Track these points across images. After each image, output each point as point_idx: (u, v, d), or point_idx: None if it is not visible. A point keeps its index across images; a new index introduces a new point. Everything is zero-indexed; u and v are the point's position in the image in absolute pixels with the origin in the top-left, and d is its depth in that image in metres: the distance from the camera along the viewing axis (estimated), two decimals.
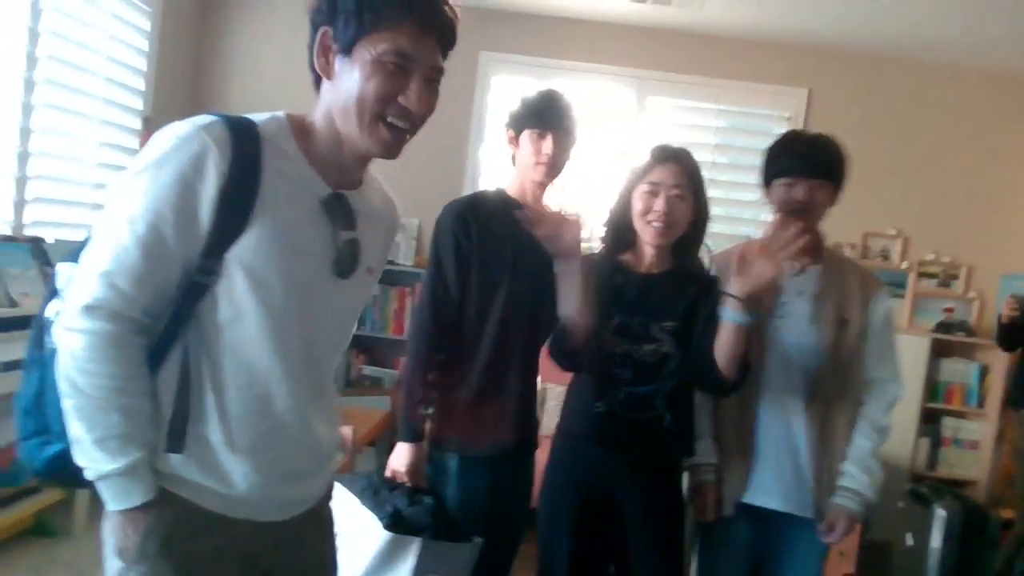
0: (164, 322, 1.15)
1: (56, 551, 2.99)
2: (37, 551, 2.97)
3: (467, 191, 4.43)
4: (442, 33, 1.18)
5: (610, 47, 4.44)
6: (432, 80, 1.19)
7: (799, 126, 4.43)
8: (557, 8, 4.30)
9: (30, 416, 1.20)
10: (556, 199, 2.14)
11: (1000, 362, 4.17)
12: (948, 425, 4.26)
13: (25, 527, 3.02)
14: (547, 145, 2.04)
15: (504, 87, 4.48)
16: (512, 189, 2.12)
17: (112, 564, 1.19)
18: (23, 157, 3.30)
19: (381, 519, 1.89)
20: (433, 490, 2.03)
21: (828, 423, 1.98)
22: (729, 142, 4.57)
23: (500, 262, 2.02)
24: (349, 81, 1.15)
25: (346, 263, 1.24)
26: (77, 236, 3.63)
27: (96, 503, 1.19)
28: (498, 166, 4.32)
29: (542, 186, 2.09)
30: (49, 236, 3.38)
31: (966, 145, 4.41)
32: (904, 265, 4.41)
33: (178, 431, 1.15)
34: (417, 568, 1.87)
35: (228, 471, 1.18)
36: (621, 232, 2.00)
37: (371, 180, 1.34)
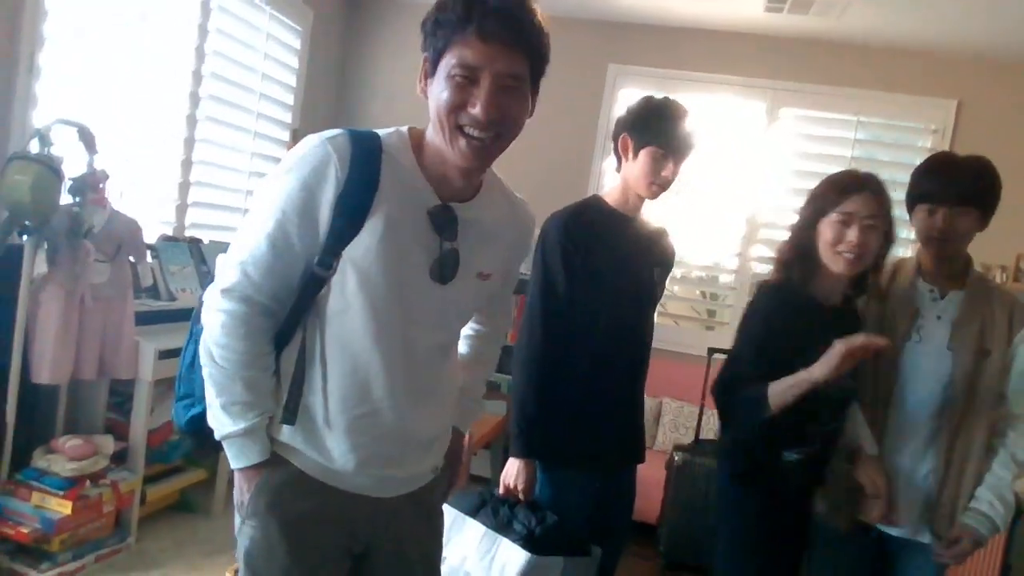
0: (288, 308, 1.30)
1: (197, 526, 3.26)
2: (181, 525, 3.25)
3: None
4: (513, 39, 1.20)
5: (741, 57, 4.35)
6: (508, 87, 1.22)
7: (947, 139, 4.17)
8: (687, 18, 4.26)
9: (183, 381, 1.40)
10: (655, 213, 2.14)
11: None
12: None
13: (171, 503, 3.31)
14: (669, 170, 2.01)
15: (632, 99, 4.48)
16: (613, 198, 2.10)
17: (236, 520, 1.37)
18: (186, 165, 3.65)
19: (517, 541, 1.94)
20: (545, 504, 2.05)
21: (958, 452, 1.89)
22: (870, 155, 4.35)
23: (606, 274, 2.02)
24: (432, 98, 1.26)
25: (447, 269, 1.32)
26: (230, 238, 3.96)
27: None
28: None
29: (645, 200, 2.08)
30: (206, 238, 3.70)
31: None
32: None
33: (292, 405, 1.30)
34: None
35: (328, 446, 1.32)
36: (806, 261, 1.90)
37: (491, 191, 1.41)
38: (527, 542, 1.93)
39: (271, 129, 4.30)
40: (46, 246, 2.65)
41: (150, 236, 3.27)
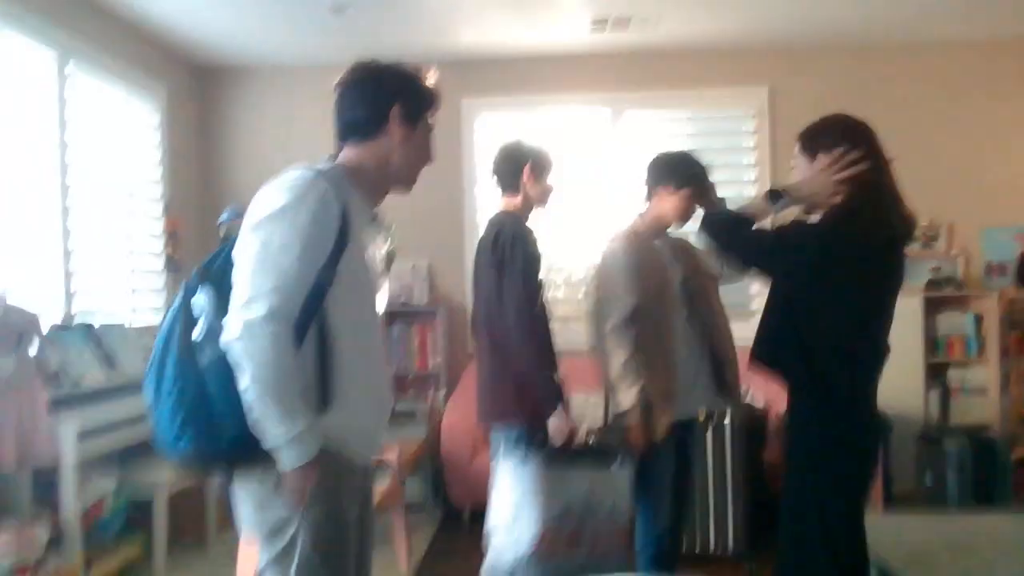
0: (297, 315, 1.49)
1: None
2: None
3: (469, 228, 4.78)
4: None
5: (581, 75, 4.80)
6: None
7: (764, 121, 4.75)
8: (526, 48, 4.66)
9: (194, 419, 1.46)
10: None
11: (992, 309, 4.40)
12: (954, 376, 4.47)
13: None
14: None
15: (488, 127, 4.83)
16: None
17: (270, 520, 1.51)
18: (66, 254, 3.65)
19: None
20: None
21: None
22: (707, 145, 4.87)
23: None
24: (414, 148, 1.68)
25: (389, 259, 1.66)
26: (122, 318, 3.96)
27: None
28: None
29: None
30: (95, 321, 3.69)
31: (929, 113, 4.71)
32: None
33: (325, 395, 1.51)
34: None
35: (351, 427, 1.56)
36: None
37: None
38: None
39: (143, 205, 4.34)
40: None
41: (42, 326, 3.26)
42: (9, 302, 2.90)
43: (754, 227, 2.13)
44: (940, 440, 3.79)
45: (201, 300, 1.50)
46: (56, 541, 2.90)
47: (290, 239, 1.45)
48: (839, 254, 1.95)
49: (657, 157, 2.64)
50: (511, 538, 2.31)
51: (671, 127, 4.86)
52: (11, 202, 3.30)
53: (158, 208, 4.47)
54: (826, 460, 1.99)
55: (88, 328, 3.58)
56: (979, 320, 4.48)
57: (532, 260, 2.50)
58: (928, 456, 3.90)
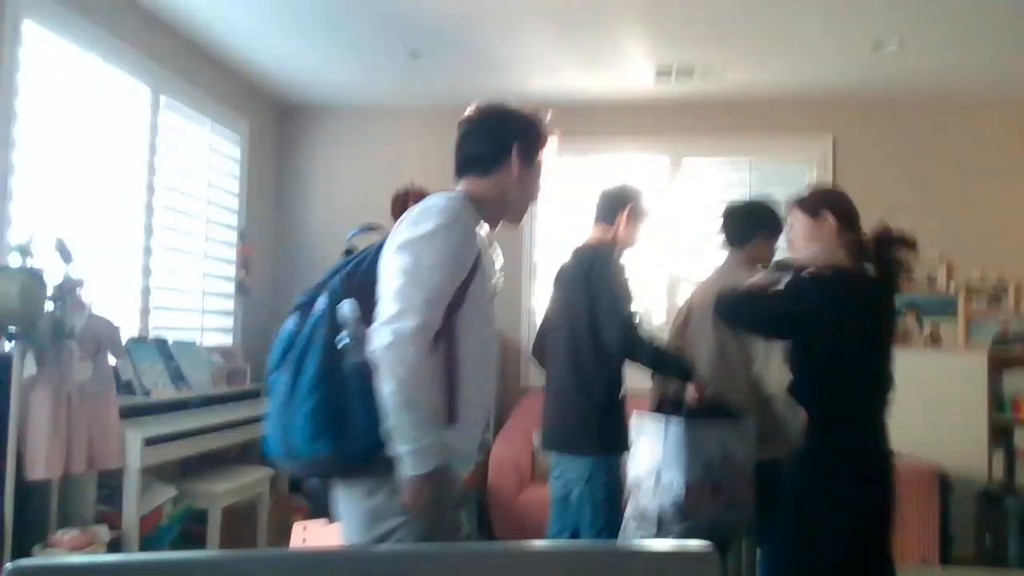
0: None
1: None
2: None
3: (526, 264, 4.88)
4: None
5: (643, 120, 4.90)
6: None
7: (828, 171, 4.74)
8: (594, 94, 4.79)
9: (333, 422, 1.54)
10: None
11: None
12: (1021, 437, 4.30)
13: None
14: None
15: (553, 169, 4.93)
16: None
17: (381, 527, 1.58)
18: (145, 271, 3.89)
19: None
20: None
21: None
22: (764, 192, 4.86)
23: None
24: (530, 179, 1.81)
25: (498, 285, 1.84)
26: (192, 335, 4.17)
27: None
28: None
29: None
30: (169, 337, 3.90)
31: (995, 169, 4.63)
32: (951, 286, 4.56)
33: (453, 409, 1.61)
34: None
35: (464, 439, 1.66)
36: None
37: None
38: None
39: (220, 232, 4.58)
40: (33, 350, 2.84)
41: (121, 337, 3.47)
42: (92, 310, 3.10)
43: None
44: (1002, 500, 3.64)
45: (347, 309, 1.57)
46: (116, 544, 3.04)
47: (441, 259, 1.57)
48: (848, 301, 2.07)
49: (752, 205, 2.75)
50: (658, 490, 2.49)
51: (731, 175, 4.88)
52: (101, 221, 3.55)
53: (234, 235, 4.71)
54: (838, 488, 2.07)
55: (163, 343, 3.79)
56: None
57: (628, 288, 2.62)
58: (989, 517, 3.75)
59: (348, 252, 1.75)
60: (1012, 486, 4.06)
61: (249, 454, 4.12)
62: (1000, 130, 4.64)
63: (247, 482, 3.72)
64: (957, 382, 4.18)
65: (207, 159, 4.45)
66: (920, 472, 3.57)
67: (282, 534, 3.28)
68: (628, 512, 2.61)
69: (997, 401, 4.31)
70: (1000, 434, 4.30)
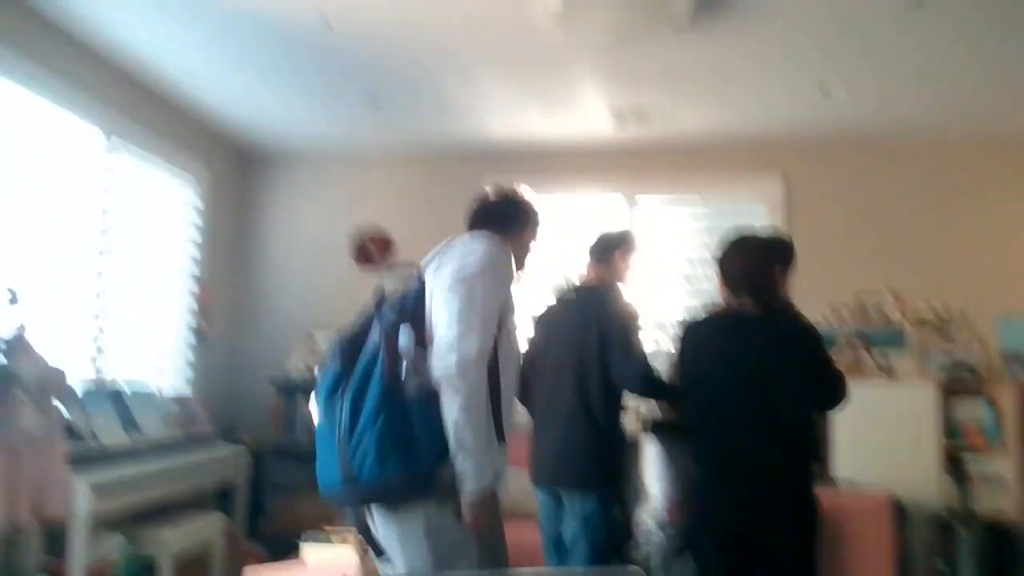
0: None
1: None
2: None
3: None
4: None
5: (599, 161, 5.00)
6: None
7: (779, 211, 4.86)
8: (553, 139, 4.88)
9: (399, 447, 1.66)
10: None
11: (1009, 399, 4.34)
12: (971, 463, 4.37)
13: None
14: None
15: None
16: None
17: (443, 545, 1.71)
18: (99, 317, 3.83)
19: None
20: None
21: None
22: (718, 227, 4.95)
23: None
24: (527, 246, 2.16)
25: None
26: (147, 381, 4.10)
27: None
28: None
29: None
30: (123, 383, 3.83)
31: (944, 206, 4.77)
32: (898, 316, 4.68)
33: (499, 429, 1.79)
34: None
35: (505, 459, 1.84)
36: None
37: None
38: None
39: (179, 278, 4.55)
40: None
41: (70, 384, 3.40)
42: (41, 356, 3.04)
43: None
44: (956, 528, 3.69)
45: (404, 338, 1.71)
46: None
47: (494, 291, 1.78)
48: None
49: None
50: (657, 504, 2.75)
51: (684, 210, 4.98)
52: (53, 266, 3.50)
53: (192, 283, 4.67)
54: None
55: (116, 391, 3.73)
56: (996, 408, 4.41)
57: (639, 325, 2.80)
58: (942, 544, 3.79)
59: (379, 294, 1.90)
60: (963, 512, 4.12)
61: (202, 500, 4.04)
62: (944, 168, 4.80)
63: (199, 529, 3.64)
64: (910, 411, 4.25)
65: (164, 204, 4.43)
66: (876, 501, 3.61)
67: None
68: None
69: (948, 428, 4.40)
70: (952, 461, 4.37)
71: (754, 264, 2.47)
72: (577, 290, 2.90)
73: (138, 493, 3.35)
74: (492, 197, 2.13)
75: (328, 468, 1.73)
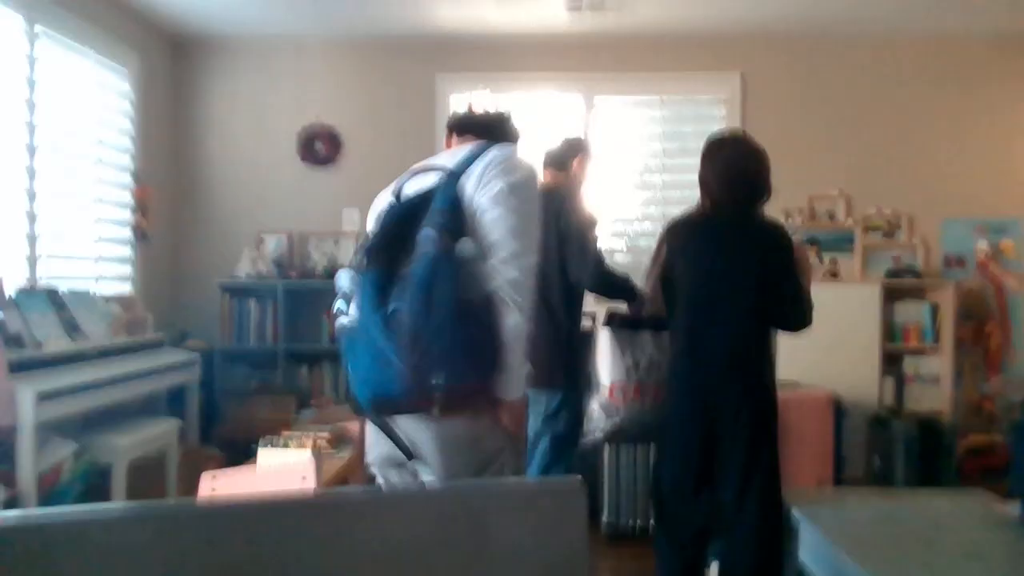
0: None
1: None
2: None
3: None
4: None
5: (554, 54, 4.83)
6: None
7: (736, 108, 4.80)
8: (501, 25, 4.67)
9: (478, 353, 1.68)
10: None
11: (949, 300, 4.51)
12: (909, 363, 4.58)
13: None
14: None
15: (462, 102, 4.84)
16: None
17: (485, 450, 1.77)
18: (31, 216, 3.64)
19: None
20: None
21: None
22: (676, 129, 4.92)
23: None
24: None
25: None
26: (87, 284, 3.96)
27: None
28: None
29: None
30: (61, 286, 3.69)
31: (894, 105, 4.79)
32: (849, 222, 4.76)
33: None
34: None
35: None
36: None
37: None
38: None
39: (113, 173, 4.32)
40: None
41: (6, 288, 3.26)
42: None
43: None
44: (890, 424, 3.89)
45: (468, 247, 1.68)
46: (12, 503, 2.91)
47: (537, 205, 1.84)
48: None
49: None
50: (594, 393, 2.85)
51: (642, 111, 4.90)
52: None
53: (128, 177, 4.45)
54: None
55: (54, 293, 3.58)
56: (935, 310, 4.59)
57: (594, 226, 2.89)
58: (878, 440, 4.01)
59: (398, 196, 1.83)
60: (900, 411, 4.34)
61: (154, 406, 3.99)
62: (900, 67, 4.79)
63: (153, 434, 3.60)
64: (854, 313, 4.39)
65: (94, 94, 4.15)
66: (817, 399, 3.76)
67: (193, 487, 3.20)
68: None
69: (889, 331, 4.57)
70: (891, 362, 4.56)
71: (754, 168, 2.50)
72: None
73: (87, 400, 3.28)
74: (485, 111, 2.12)
75: (382, 373, 1.66)
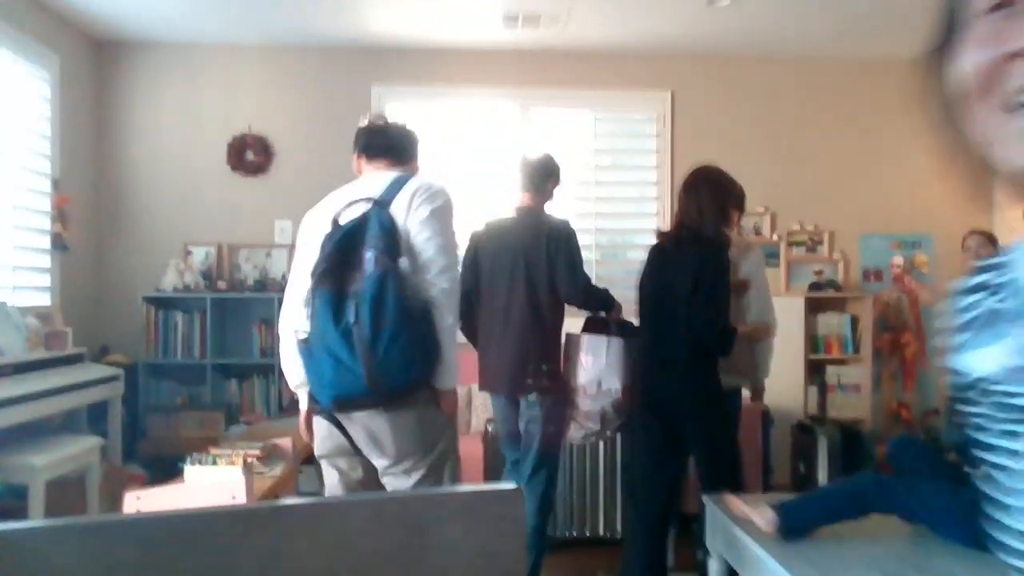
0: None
1: None
2: None
3: None
4: None
5: (491, 69, 4.86)
6: None
7: (666, 126, 4.93)
8: (439, 39, 4.69)
9: (419, 353, 2.00)
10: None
11: (867, 312, 4.71)
12: (831, 373, 4.75)
13: None
14: None
15: (398, 113, 4.82)
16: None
17: (431, 433, 2.10)
18: None
19: None
20: None
21: None
22: (611, 146, 5.02)
23: None
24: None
25: None
26: (1, 296, 3.78)
27: None
28: None
29: None
30: None
31: (817, 125, 4.99)
32: (774, 237, 4.93)
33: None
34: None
35: None
36: None
37: None
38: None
39: (30, 180, 4.14)
40: None
41: None
42: None
43: None
44: (814, 432, 4.03)
45: (405, 264, 2.01)
46: None
47: (453, 225, 2.15)
48: None
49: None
50: (599, 395, 3.02)
51: (577, 126, 4.97)
52: None
53: (47, 184, 4.28)
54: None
55: None
56: (855, 321, 4.78)
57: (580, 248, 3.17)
58: (802, 447, 4.14)
59: (335, 221, 2.09)
60: (823, 418, 4.49)
61: (75, 423, 3.83)
62: (821, 89, 5.00)
63: (73, 453, 3.46)
64: (779, 325, 4.52)
65: (12, 98, 3.98)
66: (747, 409, 3.86)
67: (116, 506, 3.09)
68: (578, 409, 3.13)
69: (812, 342, 4.73)
70: (815, 371, 4.73)
71: (717, 200, 2.82)
72: (519, 212, 3.19)
73: (1, 417, 3.13)
74: (391, 127, 2.40)
75: (342, 377, 1.95)
